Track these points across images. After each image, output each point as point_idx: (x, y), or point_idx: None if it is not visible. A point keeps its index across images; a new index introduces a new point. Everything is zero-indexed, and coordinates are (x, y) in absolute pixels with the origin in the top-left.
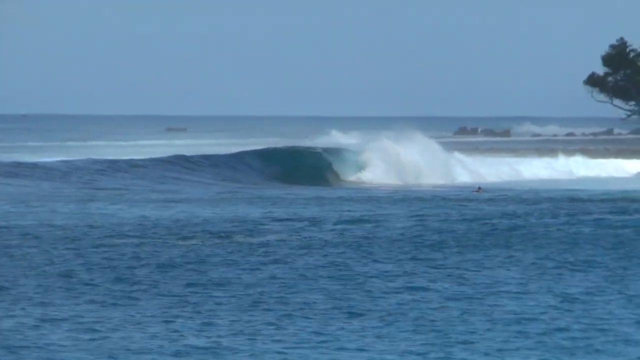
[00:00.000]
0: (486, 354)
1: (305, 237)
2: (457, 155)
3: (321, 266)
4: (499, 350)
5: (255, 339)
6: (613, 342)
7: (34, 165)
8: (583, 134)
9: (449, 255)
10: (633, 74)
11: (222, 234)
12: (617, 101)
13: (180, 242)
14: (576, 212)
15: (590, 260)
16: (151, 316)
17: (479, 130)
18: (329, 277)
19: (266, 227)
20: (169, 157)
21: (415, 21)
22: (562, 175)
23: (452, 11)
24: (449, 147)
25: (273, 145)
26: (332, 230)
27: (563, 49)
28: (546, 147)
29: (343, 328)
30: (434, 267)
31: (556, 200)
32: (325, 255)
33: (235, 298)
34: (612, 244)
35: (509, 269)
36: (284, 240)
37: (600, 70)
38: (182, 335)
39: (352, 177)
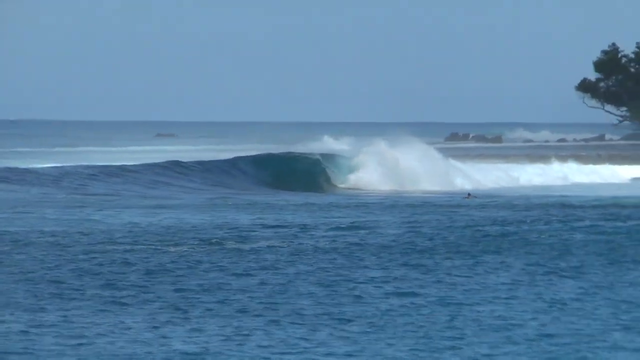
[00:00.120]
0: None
1: (296, 243)
2: (452, 161)
3: (311, 272)
4: (488, 355)
5: (244, 345)
6: (601, 348)
7: (25, 171)
8: (575, 140)
9: (439, 261)
10: (625, 80)
11: (213, 240)
12: (608, 107)
13: (171, 249)
14: (568, 218)
15: (580, 267)
16: (140, 322)
17: (470, 136)
18: (318, 283)
19: (257, 233)
20: (164, 162)
21: (406, 27)
22: (557, 181)
23: (443, 16)
24: (441, 153)
25: (266, 152)
26: (323, 236)
27: (555, 55)
28: (538, 153)
29: (332, 334)
30: (424, 273)
31: (548, 206)
32: (315, 262)
33: (225, 304)
34: (602, 250)
35: (498, 275)
36: (275, 247)
37: (592, 76)
38: (171, 341)
39: (347, 183)
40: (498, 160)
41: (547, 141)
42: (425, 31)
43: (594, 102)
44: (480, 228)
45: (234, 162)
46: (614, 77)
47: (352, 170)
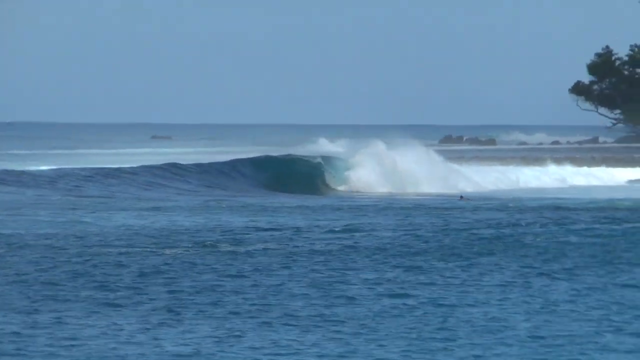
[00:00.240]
0: None
1: (290, 246)
2: (449, 163)
3: (304, 274)
4: (480, 357)
5: (236, 347)
6: (593, 349)
7: (21, 173)
8: (568, 142)
9: (432, 263)
10: (618, 83)
11: (207, 243)
12: (602, 109)
13: (165, 251)
14: (563, 220)
15: (574, 269)
16: (133, 324)
17: (464, 138)
18: (311, 285)
19: (252, 235)
20: (162, 164)
21: (401, 29)
22: (555, 183)
23: (438, 18)
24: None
25: (264, 154)
26: (318, 238)
27: (548, 58)
28: (533, 156)
29: (324, 335)
30: (417, 275)
31: (543, 209)
32: (309, 264)
33: (218, 306)
34: (597, 253)
35: (492, 277)
36: (269, 249)
37: (586, 78)
38: (163, 343)
39: (346, 185)
40: (493, 162)
41: (540, 143)
42: (419, 33)
43: (587, 105)
44: (474, 230)
45: (233, 165)
46: (607, 80)
47: (350, 172)
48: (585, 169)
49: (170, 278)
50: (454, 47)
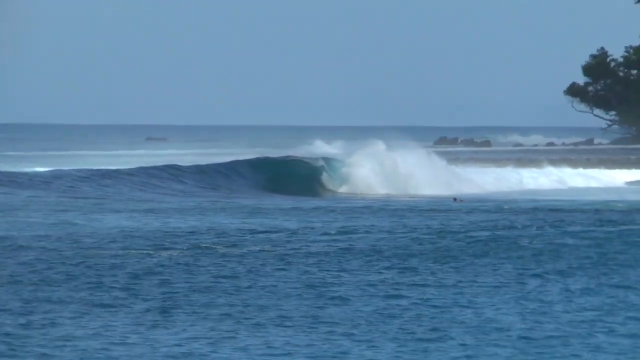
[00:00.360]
0: None
1: (285, 247)
2: (448, 164)
3: (298, 276)
4: (473, 357)
5: (230, 348)
6: (586, 350)
7: (16, 174)
8: (564, 144)
9: (426, 265)
10: (613, 84)
11: (203, 244)
12: (597, 111)
13: (160, 252)
14: (558, 222)
15: (568, 270)
16: (127, 325)
17: (459, 140)
18: (304, 286)
19: (247, 237)
20: (160, 166)
21: (395, 30)
22: (555, 185)
23: (431, 20)
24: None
25: (261, 155)
26: (314, 240)
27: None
28: (527, 157)
29: (317, 336)
30: (411, 276)
31: (538, 210)
32: (303, 265)
33: (211, 307)
34: (591, 255)
35: (486, 278)
36: (264, 250)
37: (581, 80)
38: (156, 344)
39: (345, 187)
40: (489, 164)
41: (535, 145)
42: (414, 36)
43: (582, 106)
44: (468, 232)
45: (233, 166)
46: (602, 82)
47: (350, 174)
48: (585, 170)
49: (165, 279)
50: (449, 48)
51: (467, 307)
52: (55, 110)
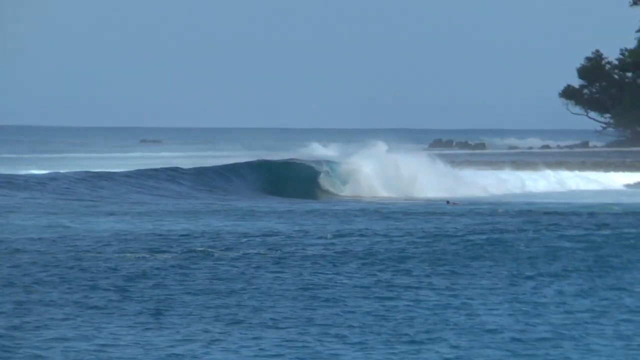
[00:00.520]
0: None
1: (280, 251)
2: (448, 167)
3: (292, 278)
4: (464, 358)
5: (223, 350)
6: (578, 351)
7: (11, 177)
8: (559, 147)
9: (420, 267)
10: (608, 87)
11: (198, 247)
12: (592, 113)
13: (155, 255)
14: (554, 225)
15: (562, 273)
16: (121, 327)
17: (454, 142)
18: (299, 289)
19: (243, 240)
20: (159, 168)
21: (389, 32)
22: (554, 187)
23: (427, 23)
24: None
25: (258, 158)
26: (310, 243)
27: (538, 62)
28: (522, 160)
29: (311, 338)
30: (405, 279)
31: (534, 213)
32: (298, 268)
33: (205, 309)
34: (586, 257)
35: (480, 280)
36: (259, 254)
37: (576, 82)
38: (150, 346)
39: (346, 189)
40: (483, 166)
41: (530, 148)
42: (410, 39)
43: (577, 109)
44: (462, 235)
45: (232, 168)
46: (597, 84)
47: (350, 176)
48: (584, 173)
49: (159, 282)
50: (444, 51)
51: (460, 309)
52: (48, 113)
